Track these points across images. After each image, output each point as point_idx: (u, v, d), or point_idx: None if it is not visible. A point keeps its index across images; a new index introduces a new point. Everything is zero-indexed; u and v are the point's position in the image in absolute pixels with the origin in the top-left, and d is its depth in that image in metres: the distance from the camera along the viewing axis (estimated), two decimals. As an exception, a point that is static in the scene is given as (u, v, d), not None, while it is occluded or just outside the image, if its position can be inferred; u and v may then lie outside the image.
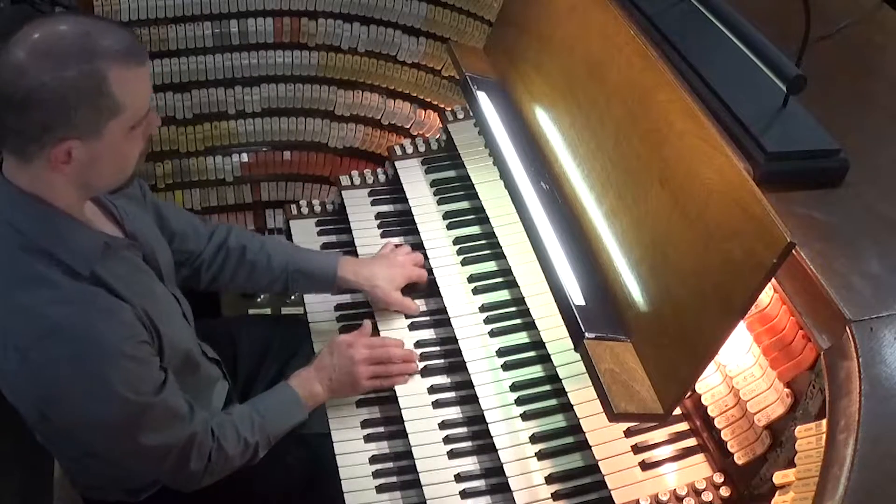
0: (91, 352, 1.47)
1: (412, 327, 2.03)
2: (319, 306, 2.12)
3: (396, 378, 1.91)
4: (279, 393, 1.86)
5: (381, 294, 2.02)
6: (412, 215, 2.22)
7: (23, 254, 1.47)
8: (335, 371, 1.88)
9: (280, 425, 1.82)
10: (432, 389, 1.91)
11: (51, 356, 1.46)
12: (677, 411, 1.63)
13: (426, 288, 2.09)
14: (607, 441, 1.68)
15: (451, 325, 1.97)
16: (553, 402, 1.81)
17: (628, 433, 1.69)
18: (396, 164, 2.37)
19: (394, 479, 1.82)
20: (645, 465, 1.64)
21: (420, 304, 2.08)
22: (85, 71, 1.38)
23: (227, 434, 1.72)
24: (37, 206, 1.47)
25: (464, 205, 2.22)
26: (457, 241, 2.14)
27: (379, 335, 2.00)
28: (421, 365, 1.95)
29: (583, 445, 1.70)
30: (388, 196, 2.35)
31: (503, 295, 2.02)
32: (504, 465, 1.72)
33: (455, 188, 2.27)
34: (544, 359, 1.86)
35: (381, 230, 2.26)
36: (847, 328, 1.33)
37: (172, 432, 1.61)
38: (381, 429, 1.90)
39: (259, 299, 2.76)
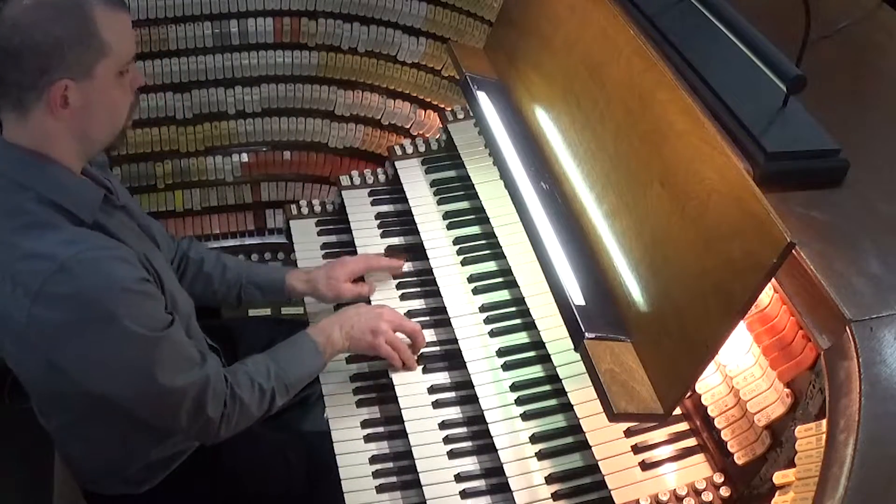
0: (99, 286, 1.50)
1: (412, 327, 2.03)
2: (319, 307, 2.13)
3: (412, 358, 1.93)
4: (296, 340, 1.87)
5: (324, 291, 2.05)
6: (412, 215, 2.22)
7: (28, 205, 1.52)
8: (359, 320, 1.90)
9: (296, 372, 1.82)
10: (432, 389, 1.91)
11: (59, 294, 1.49)
12: (677, 411, 1.62)
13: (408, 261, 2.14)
14: (607, 441, 1.68)
15: (451, 325, 1.97)
16: (553, 402, 1.81)
17: (628, 433, 1.69)
18: (396, 164, 2.37)
19: (394, 479, 1.82)
20: (645, 465, 1.64)
21: (420, 305, 2.08)
22: (74, 14, 1.49)
23: (241, 381, 1.73)
24: (39, 162, 1.54)
25: (464, 205, 2.23)
26: (457, 241, 2.14)
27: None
28: (421, 365, 1.95)
29: (583, 445, 1.70)
30: (388, 196, 2.36)
31: (503, 295, 2.02)
32: (504, 465, 1.72)
33: (455, 188, 2.27)
34: (544, 359, 1.86)
35: (381, 230, 2.26)
36: (847, 328, 1.33)
37: (187, 373, 1.63)
38: (381, 429, 1.90)
39: (259, 299, 2.75)
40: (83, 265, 1.49)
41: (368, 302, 2.08)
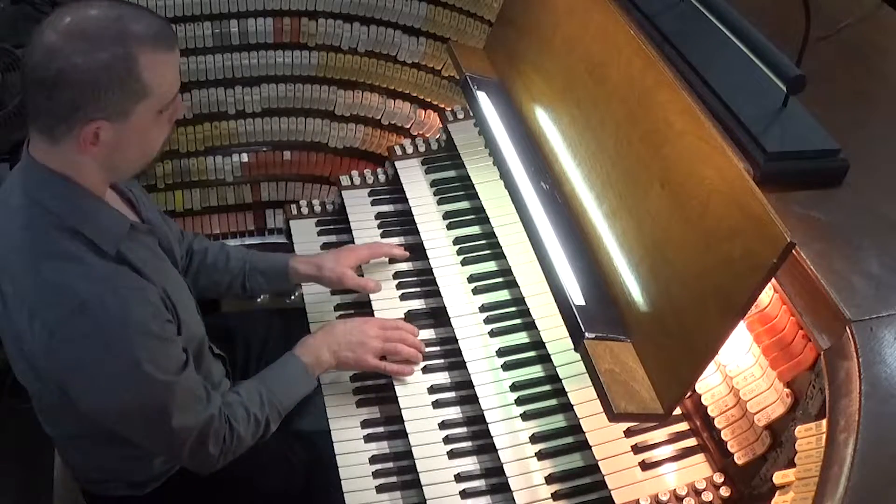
0: (119, 329, 1.48)
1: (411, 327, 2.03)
2: (319, 306, 2.13)
3: (402, 366, 1.92)
4: (285, 364, 1.86)
5: (330, 274, 2.04)
6: (412, 215, 2.22)
7: (52, 231, 1.49)
8: (345, 338, 1.89)
9: (288, 397, 1.82)
10: (432, 389, 1.91)
11: (79, 332, 1.47)
12: (677, 411, 1.63)
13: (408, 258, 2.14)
14: (607, 441, 1.68)
15: (451, 325, 1.97)
16: (553, 402, 1.81)
17: (628, 433, 1.69)
18: (396, 164, 2.37)
19: (394, 479, 1.82)
20: (645, 465, 1.64)
21: (420, 305, 2.08)
22: (116, 53, 1.41)
23: (238, 415, 1.72)
24: (65, 187, 1.50)
25: (464, 205, 2.23)
26: (457, 241, 2.14)
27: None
28: (421, 364, 1.95)
29: (583, 445, 1.70)
30: (388, 196, 2.36)
31: (503, 295, 2.02)
32: (504, 465, 1.72)
33: (455, 188, 2.27)
34: (544, 359, 1.86)
35: (381, 230, 2.26)
36: (847, 328, 1.33)
37: (194, 414, 1.62)
38: (381, 429, 1.90)
39: (259, 300, 2.75)
40: (104, 306, 1.46)
41: (369, 302, 2.07)
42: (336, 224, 2.35)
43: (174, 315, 1.62)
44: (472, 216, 2.18)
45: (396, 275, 2.15)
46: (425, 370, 1.94)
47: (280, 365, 1.86)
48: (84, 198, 1.52)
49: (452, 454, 1.80)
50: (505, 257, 2.02)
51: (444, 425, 1.85)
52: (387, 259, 2.17)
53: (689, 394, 1.63)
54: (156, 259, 1.67)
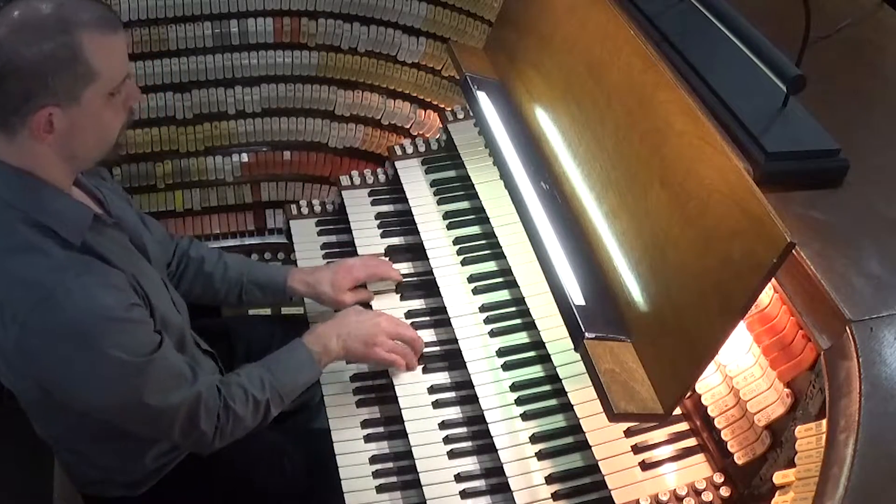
0: (84, 317, 1.50)
1: (412, 327, 2.03)
2: (319, 307, 2.13)
3: (412, 359, 1.92)
4: (291, 350, 1.86)
5: (327, 299, 2.04)
6: (412, 215, 2.22)
7: (16, 226, 1.51)
8: (358, 329, 1.89)
9: (291, 382, 1.82)
10: (432, 389, 1.91)
11: (47, 323, 1.48)
12: (677, 411, 1.62)
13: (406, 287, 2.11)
14: (607, 441, 1.68)
15: (451, 325, 1.97)
16: (553, 402, 1.81)
17: (628, 433, 1.69)
18: (396, 164, 2.37)
19: (394, 479, 1.82)
20: (645, 465, 1.64)
21: (420, 304, 2.08)
22: (61, 40, 1.44)
23: (234, 393, 1.72)
24: (26, 181, 1.52)
25: (464, 205, 2.23)
26: (457, 241, 2.14)
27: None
28: (421, 365, 1.95)
29: (583, 445, 1.70)
30: (388, 196, 2.36)
31: (503, 295, 2.02)
32: (504, 465, 1.72)
33: (455, 188, 2.27)
34: (544, 359, 1.86)
35: (381, 230, 2.26)
36: (847, 328, 1.33)
37: (177, 392, 1.62)
38: (381, 429, 1.90)
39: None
40: (69, 295, 1.48)
41: (369, 306, 2.07)
42: (336, 224, 2.35)
43: (146, 301, 1.63)
44: (472, 216, 2.18)
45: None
46: (425, 370, 1.94)
47: (286, 350, 1.86)
48: (46, 191, 1.54)
49: (452, 454, 1.80)
50: (505, 257, 2.02)
51: (444, 425, 1.85)
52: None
53: (689, 394, 1.63)
54: (126, 252, 1.68)
